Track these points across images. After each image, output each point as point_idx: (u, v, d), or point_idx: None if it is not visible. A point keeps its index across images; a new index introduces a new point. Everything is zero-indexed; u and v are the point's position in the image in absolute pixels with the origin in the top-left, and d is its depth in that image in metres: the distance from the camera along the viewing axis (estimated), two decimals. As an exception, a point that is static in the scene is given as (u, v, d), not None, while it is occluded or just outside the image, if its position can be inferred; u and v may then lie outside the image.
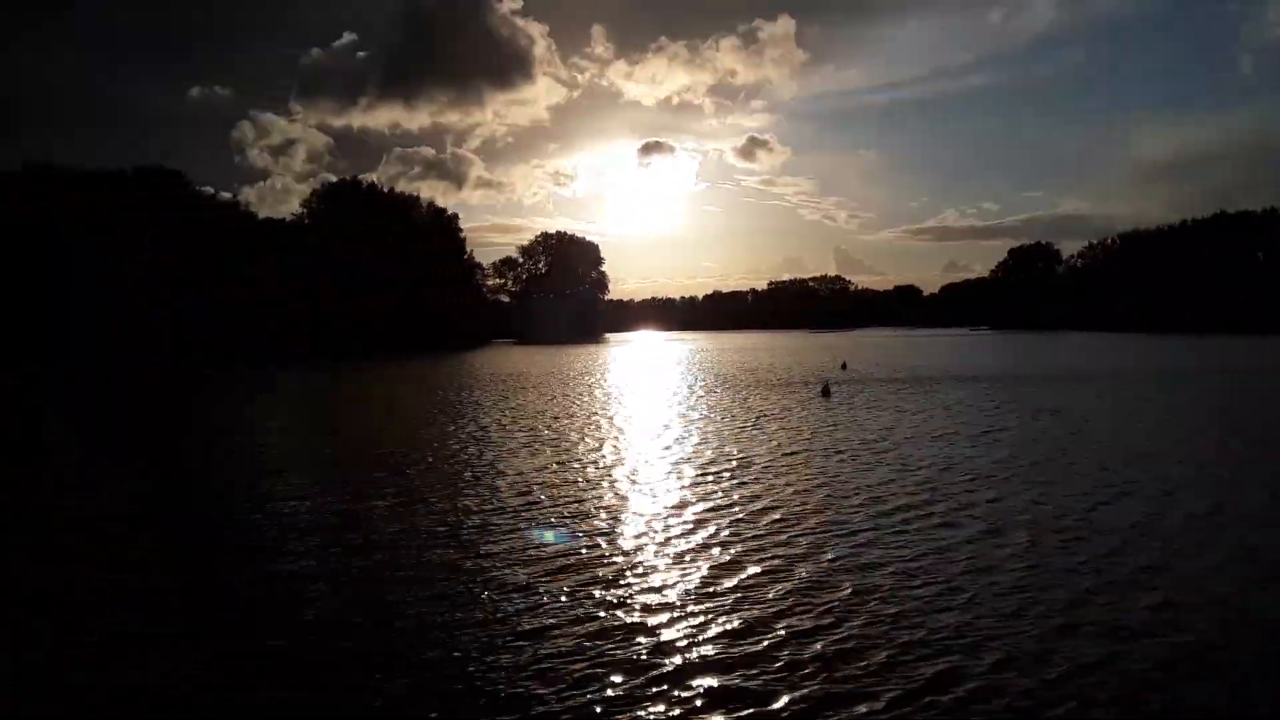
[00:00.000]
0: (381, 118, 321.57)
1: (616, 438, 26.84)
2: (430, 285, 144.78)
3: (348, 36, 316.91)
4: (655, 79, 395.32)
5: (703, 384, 49.40)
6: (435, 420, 32.55)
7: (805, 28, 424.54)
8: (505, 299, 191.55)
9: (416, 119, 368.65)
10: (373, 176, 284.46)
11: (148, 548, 14.13)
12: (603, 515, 15.92)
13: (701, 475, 19.76)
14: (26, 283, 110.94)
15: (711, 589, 11.56)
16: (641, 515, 15.84)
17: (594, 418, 32.68)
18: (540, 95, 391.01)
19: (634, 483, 19.04)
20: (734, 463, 21.40)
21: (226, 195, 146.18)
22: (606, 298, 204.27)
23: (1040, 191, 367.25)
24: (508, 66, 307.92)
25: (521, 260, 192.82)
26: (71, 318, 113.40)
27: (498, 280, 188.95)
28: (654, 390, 46.13)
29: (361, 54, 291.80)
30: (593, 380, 55.55)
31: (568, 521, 15.43)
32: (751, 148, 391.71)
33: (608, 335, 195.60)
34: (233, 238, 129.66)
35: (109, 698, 8.65)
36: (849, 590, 11.45)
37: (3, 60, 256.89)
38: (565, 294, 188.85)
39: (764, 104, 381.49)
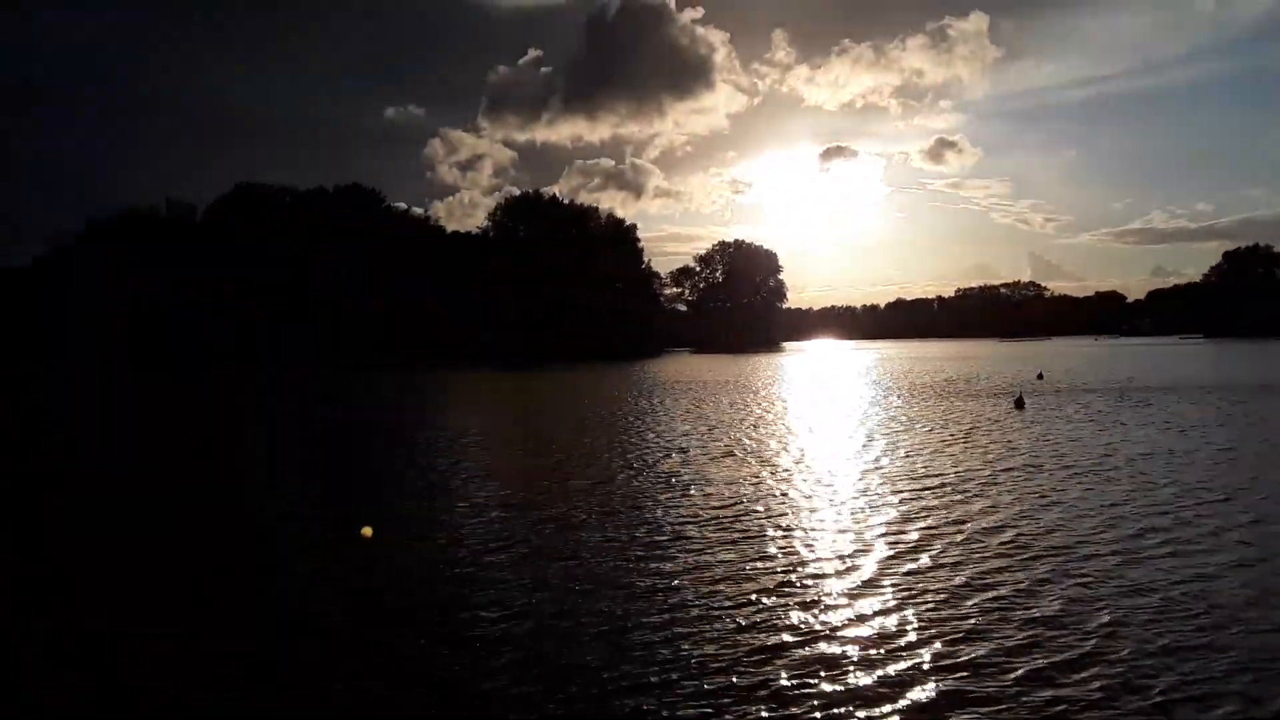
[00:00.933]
0: (564, 131, 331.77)
1: (818, 449, 26.17)
2: (608, 294, 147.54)
3: (533, 53, 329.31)
4: (838, 82, 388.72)
5: (891, 394, 47.81)
6: (632, 427, 32.81)
7: (999, 23, 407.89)
8: (682, 308, 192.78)
9: (597, 131, 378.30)
10: (554, 189, 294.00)
11: (352, 551, 14.68)
12: (821, 531, 15.39)
13: (913, 491, 18.85)
14: (243, 296, 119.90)
15: (946, 619, 10.83)
16: (860, 533, 15.19)
17: (790, 427, 32.10)
18: (720, 103, 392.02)
19: (846, 497, 18.37)
20: (942, 478, 20.35)
21: (418, 211, 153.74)
22: (784, 306, 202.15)
23: (1260, 190, 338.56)
24: (688, 76, 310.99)
25: (698, 269, 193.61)
26: (271, 326, 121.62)
27: (675, 289, 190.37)
28: (844, 400, 44.99)
29: (545, 69, 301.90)
30: (779, 389, 54.85)
31: (785, 536, 14.99)
32: (939, 150, 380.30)
33: (784, 344, 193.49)
34: (422, 250, 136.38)
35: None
36: (1106, 621, 10.49)
37: (224, 86, 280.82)
38: (742, 302, 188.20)
39: (953, 104, 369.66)
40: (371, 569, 13.26)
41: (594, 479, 21.08)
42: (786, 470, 21.97)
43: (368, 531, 15.11)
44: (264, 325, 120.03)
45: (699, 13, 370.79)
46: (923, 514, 16.46)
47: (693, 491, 19.23)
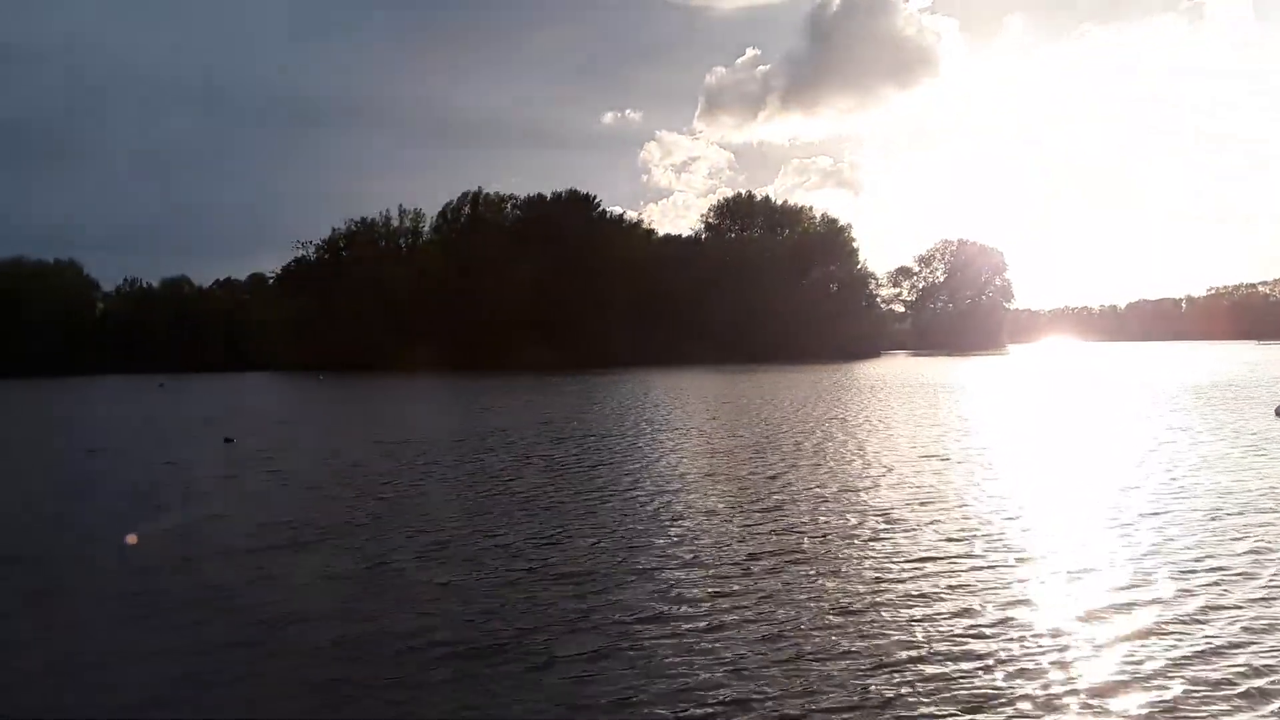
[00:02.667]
0: (781, 129, 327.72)
1: (1080, 455, 22.86)
2: (821, 295, 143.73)
3: (751, 52, 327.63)
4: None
5: (1142, 399, 42.47)
6: (872, 431, 30.29)
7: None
8: (900, 308, 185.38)
9: (815, 128, 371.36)
10: (769, 189, 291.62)
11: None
12: (1116, 562, 12.60)
13: (1209, 512, 15.55)
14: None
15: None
16: (1163, 565, 12.30)
17: (1038, 432, 28.64)
18: (946, 94, 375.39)
19: (1123, 520, 15.34)
20: (1215, 497, 16.79)
21: (632, 215, 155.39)
22: (1011, 306, 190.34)
23: None
24: (912, 67, 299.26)
25: (917, 268, 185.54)
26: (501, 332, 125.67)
27: (892, 289, 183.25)
28: (1088, 405, 40.37)
29: (763, 68, 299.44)
30: (1018, 393, 50.33)
31: (1082, 561, 12.33)
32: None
33: (1012, 345, 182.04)
34: (636, 254, 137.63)
35: None
36: None
37: (449, 92, 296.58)
38: (965, 302, 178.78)
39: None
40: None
41: (860, 483, 18.90)
42: (1053, 484, 18.97)
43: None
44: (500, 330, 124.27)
45: (927, 1, 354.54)
46: (1213, 542, 13.27)
47: (971, 504, 16.69)
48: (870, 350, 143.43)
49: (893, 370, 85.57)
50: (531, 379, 76.44)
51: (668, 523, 15.31)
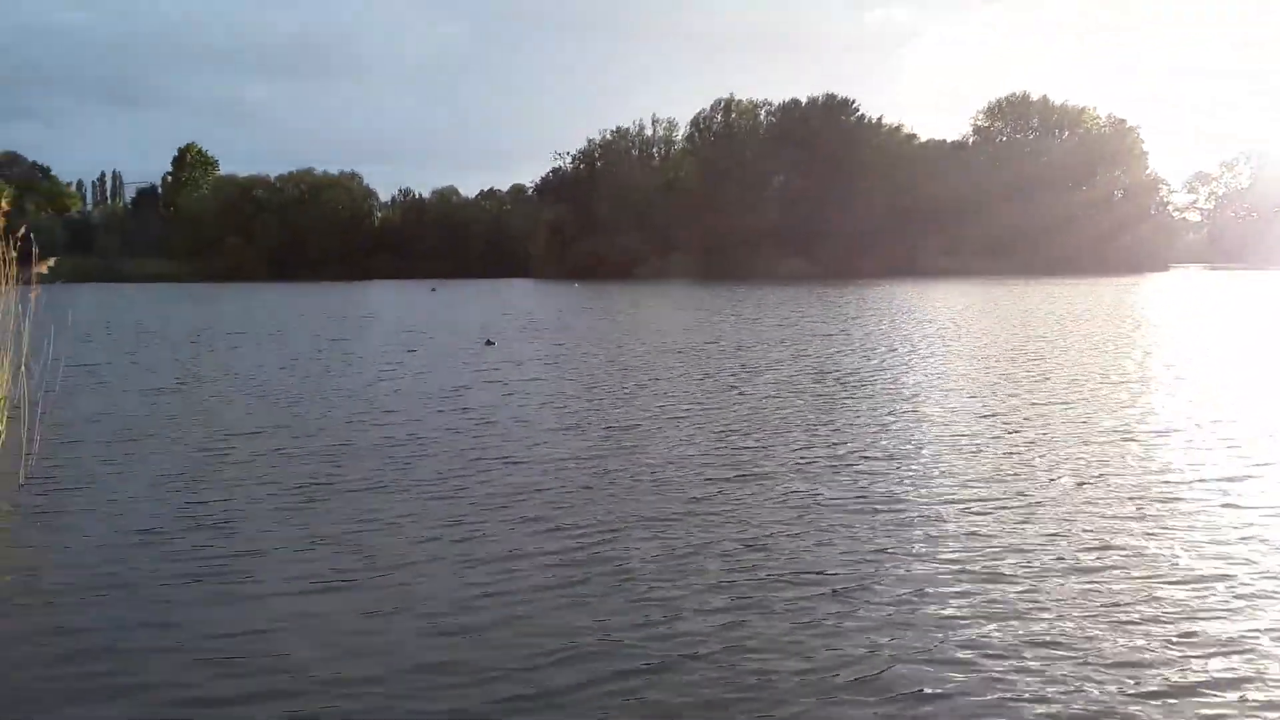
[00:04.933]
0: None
1: None
2: (1103, 203, 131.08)
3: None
4: None
5: None
6: (1164, 356, 26.26)
7: None
8: (1194, 217, 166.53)
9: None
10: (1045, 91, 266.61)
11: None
12: None
13: None
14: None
15: None
16: None
17: None
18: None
19: None
20: None
21: (893, 119, 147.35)
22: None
23: None
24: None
25: (1217, 173, 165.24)
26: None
27: (1188, 195, 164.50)
28: None
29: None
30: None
31: None
32: None
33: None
34: (896, 159, 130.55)
35: None
36: None
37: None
38: (1273, 211, 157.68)
39: None
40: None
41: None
42: None
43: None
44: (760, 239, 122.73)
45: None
46: None
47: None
48: (1157, 263, 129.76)
49: (1194, 285, 76.42)
50: (791, 288, 74.27)
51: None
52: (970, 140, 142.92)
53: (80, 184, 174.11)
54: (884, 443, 13.89)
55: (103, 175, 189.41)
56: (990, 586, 7.67)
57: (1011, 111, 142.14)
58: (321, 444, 14.17)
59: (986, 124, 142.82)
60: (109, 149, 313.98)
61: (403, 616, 7.13)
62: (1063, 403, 17.43)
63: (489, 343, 30.97)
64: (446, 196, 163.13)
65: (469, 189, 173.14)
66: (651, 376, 22.29)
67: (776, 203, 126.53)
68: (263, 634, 6.80)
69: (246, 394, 19.91)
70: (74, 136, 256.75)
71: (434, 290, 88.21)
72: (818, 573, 8.08)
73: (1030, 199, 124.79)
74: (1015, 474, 11.77)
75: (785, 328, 36.96)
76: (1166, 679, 5.91)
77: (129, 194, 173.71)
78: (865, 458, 12.88)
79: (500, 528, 9.58)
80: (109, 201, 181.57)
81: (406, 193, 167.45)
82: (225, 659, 6.33)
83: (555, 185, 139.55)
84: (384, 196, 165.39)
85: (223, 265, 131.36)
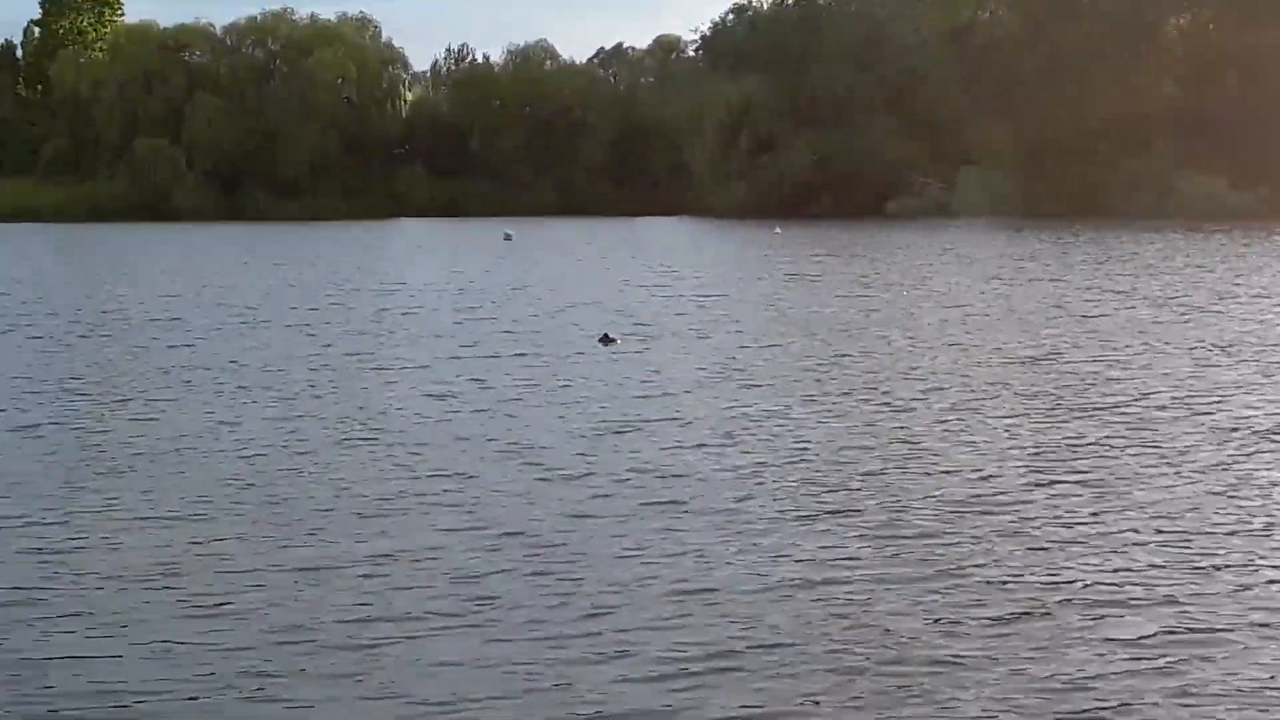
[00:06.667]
0: None
1: None
2: None
3: None
4: None
5: None
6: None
7: None
8: None
9: None
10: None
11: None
12: None
13: None
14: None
15: None
16: None
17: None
18: None
19: None
20: None
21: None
22: None
23: None
24: None
25: None
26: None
27: None
28: None
29: None
30: None
31: None
32: None
33: None
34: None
35: None
36: None
37: None
38: None
39: None
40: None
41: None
42: None
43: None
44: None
45: None
46: None
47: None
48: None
49: None
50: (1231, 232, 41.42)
51: None
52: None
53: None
54: None
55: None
56: None
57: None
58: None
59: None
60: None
61: None
62: None
63: (606, 339, 19.78)
64: (533, 61, 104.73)
65: (573, 48, 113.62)
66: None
67: (1174, 69, 70.08)
68: None
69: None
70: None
71: (508, 238, 58.62)
72: None
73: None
74: None
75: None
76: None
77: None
78: None
79: None
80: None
81: (461, 55, 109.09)
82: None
83: (741, 39, 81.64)
84: (419, 64, 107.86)
85: (131, 190, 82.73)
